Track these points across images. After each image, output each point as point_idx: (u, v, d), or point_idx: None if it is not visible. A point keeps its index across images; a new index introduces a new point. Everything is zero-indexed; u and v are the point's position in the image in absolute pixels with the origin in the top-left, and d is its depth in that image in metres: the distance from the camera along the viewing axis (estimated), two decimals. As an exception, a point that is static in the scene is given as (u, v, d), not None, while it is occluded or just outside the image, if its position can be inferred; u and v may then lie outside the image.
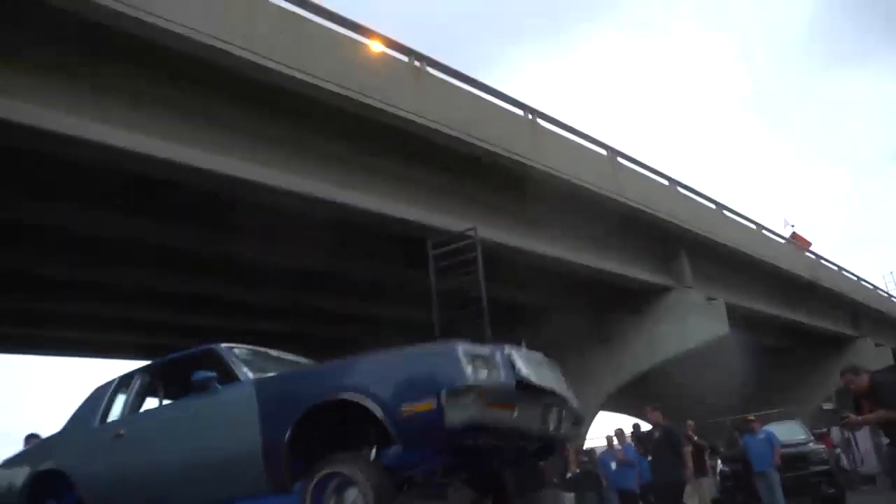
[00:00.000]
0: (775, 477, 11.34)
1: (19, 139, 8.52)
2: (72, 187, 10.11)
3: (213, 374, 4.90)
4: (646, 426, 12.22)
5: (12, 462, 6.25)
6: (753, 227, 21.91)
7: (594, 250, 15.66)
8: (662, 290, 17.73)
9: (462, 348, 4.20)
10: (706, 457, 13.06)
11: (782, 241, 24.51)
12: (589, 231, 15.50)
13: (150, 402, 5.92)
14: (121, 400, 5.72)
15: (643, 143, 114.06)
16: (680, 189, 18.33)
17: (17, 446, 7.03)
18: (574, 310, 17.93)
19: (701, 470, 12.63)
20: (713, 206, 19.79)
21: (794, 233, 26.60)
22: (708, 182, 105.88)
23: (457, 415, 3.96)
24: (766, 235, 22.68)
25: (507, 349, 4.51)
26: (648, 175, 17.25)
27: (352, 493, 4.17)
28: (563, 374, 5.08)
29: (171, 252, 12.61)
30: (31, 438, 7.33)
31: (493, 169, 12.75)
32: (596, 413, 18.79)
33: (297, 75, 9.63)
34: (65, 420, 6.08)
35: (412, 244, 13.40)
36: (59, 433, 6.00)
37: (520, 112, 13.92)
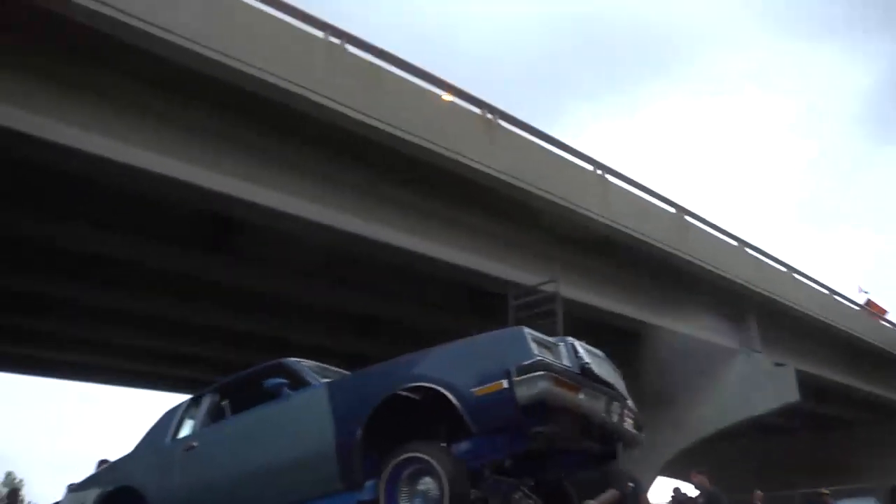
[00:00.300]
0: None
1: (92, 171, 8.95)
2: (144, 223, 10.53)
3: (285, 380, 4.96)
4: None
5: (84, 485, 6.32)
6: (825, 291, 21.21)
7: (659, 309, 15.39)
8: (730, 353, 17.24)
9: (528, 331, 4.28)
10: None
11: (856, 307, 23.62)
12: (655, 289, 15.27)
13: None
14: (191, 416, 5.81)
15: (711, 203, 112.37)
16: (749, 250, 17.96)
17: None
18: (638, 369, 17.52)
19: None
20: (783, 268, 19.27)
21: (868, 300, 25.55)
22: (778, 245, 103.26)
23: (527, 391, 3.98)
24: (838, 301, 21.91)
25: (572, 339, 4.58)
26: (717, 235, 16.98)
27: (426, 481, 4.15)
28: (623, 379, 5.05)
29: (231, 289, 12.92)
30: (102, 464, 7.49)
31: (562, 224, 12.75)
32: (656, 476, 18.22)
33: (371, 122, 9.86)
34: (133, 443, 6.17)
35: (476, 294, 13.48)
36: (130, 453, 6.07)
37: (589, 167, 13.95)
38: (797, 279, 19.79)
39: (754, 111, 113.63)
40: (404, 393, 4.36)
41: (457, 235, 11.88)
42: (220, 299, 13.36)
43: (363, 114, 9.76)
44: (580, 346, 4.55)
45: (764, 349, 17.57)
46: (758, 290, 16.93)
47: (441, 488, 4.04)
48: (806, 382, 18.08)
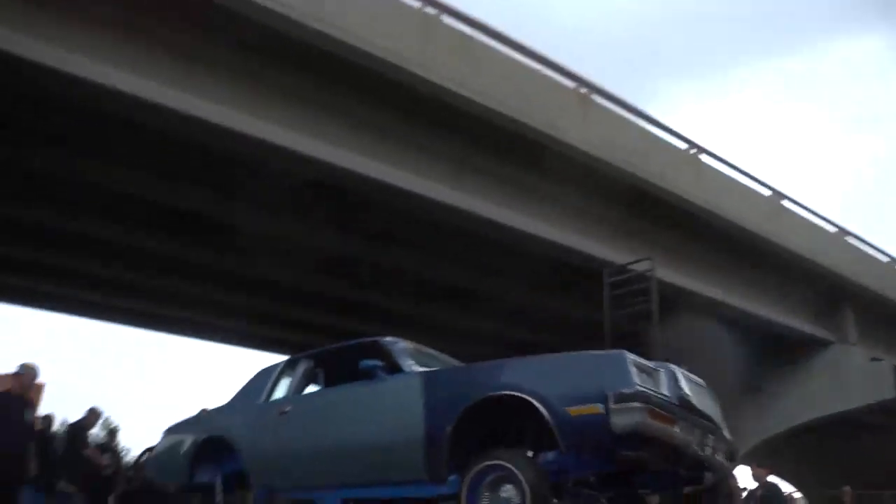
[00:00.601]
0: None
1: (209, 140, 9.39)
2: (256, 189, 10.90)
3: (380, 363, 5.07)
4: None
5: (180, 429, 6.69)
6: (931, 285, 20.07)
7: (750, 294, 14.98)
8: (822, 344, 16.65)
9: (630, 356, 4.22)
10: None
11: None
12: (746, 274, 14.86)
13: (311, 387, 6.16)
14: (285, 382, 6.03)
15: (809, 190, 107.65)
16: (848, 238, 17.18)
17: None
18: (721, 354, 17.13)
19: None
20: (886, 258, 18.36)
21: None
22: (881, 234, 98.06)
23: (623, 420, 3.96)
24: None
25: (673, 367, 4.50)
26: (814, 221, 16.30)
27: (507, 489, 4.19)
28: (720, 407, 4.97)
29: (329, 254, 13.26)
30: (202, 413, 7.85)
31: (653, 202, 12.54)
32: (736, 465, 17.82)
33: (465, 93, 9.91)
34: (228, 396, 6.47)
35: (566, 270, 13.44)
36: (226, 406, 6.36)
37: (683, 146, 13.62)
38: (901, 271, 18.83)
39: (856, 99, 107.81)
40: (497, 396, 4.40)
41: (550, 211, 11.87)
42: (316, 264, 13.74)
43: (457, 85, 9.82)
44: (681, 374, 4.48)
45: (860, 342, 16.86)
46: (856, 280, 16.21)
47: (522, 497, 4.08)
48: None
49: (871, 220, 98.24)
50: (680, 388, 4.33)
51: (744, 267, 14.80)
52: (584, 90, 11.88)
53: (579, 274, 13.49)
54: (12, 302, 19.71)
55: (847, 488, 12.31)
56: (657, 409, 4.04)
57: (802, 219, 15.92)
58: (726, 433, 4.87)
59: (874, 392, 16.02)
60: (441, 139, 10.68)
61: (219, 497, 5.89)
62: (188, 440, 6.24)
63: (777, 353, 16.79)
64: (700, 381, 4.86)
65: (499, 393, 4.39)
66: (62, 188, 11.55)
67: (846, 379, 16.16)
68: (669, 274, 12.92)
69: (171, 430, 6.79)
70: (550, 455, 4.26)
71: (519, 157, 11.28)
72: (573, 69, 11.83)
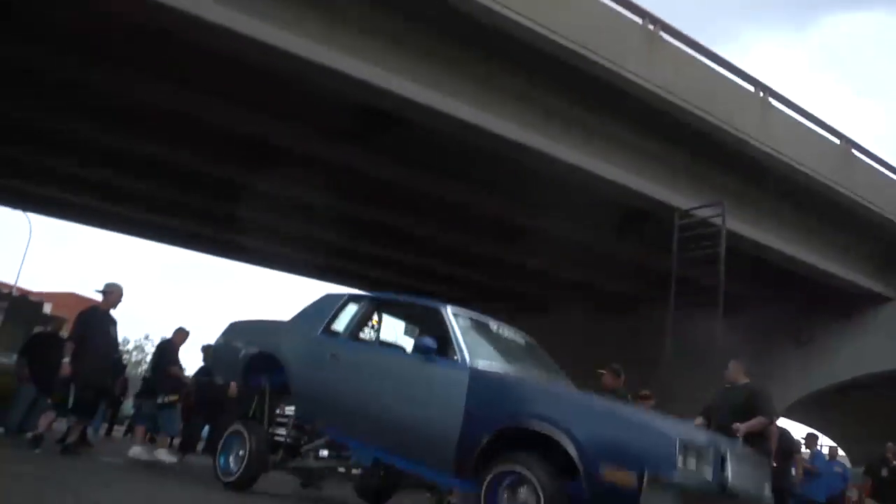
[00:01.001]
0: None
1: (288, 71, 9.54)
2: (314, 116, 11.03)
3: (434, 346, 5.13)
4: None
5: (240, 330, 6.98)
6: None
7: (807, 242, 14.63)
8: (879, 300, 16.24)
9: (680, 440, 4.14)
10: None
11: None
12: (807, 223, 14.51)
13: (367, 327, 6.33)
14: (345, 316, 6.17)
15: (883, 142, 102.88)
16: (920, 193, 16.52)
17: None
18: (774, 304, 16.92)
19: (894, 499, 11.71)
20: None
21: None
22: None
23: (652, 502, 3.98)
24: None
25: (724, 446, 4.43)
26: (885, 172, 15.70)
27: (524, 493, 4.32)
28: (766, 471, 5.04)
29: (383, 185, 13.41)
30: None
31: (718, 146, 12.25)
32: (778, 417, 17.75)
33: (527, 23, 9.70)
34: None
35: (624, 213, 13.35)
36: (285, 325, 6.53)
37: (751, 88, 13.18)
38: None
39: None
40: (538, 429, 4.42)
41: (610, 149, 11.73)
42: (370, 194, 13.90)
43: (520, 15, 9.63)
44: (729, 455, 4.38)
45: (920, 300, 16.38)
46: (923, 236, 15.64)
47: (538, 502, 4.18)
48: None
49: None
50: (724, 474, 4.28)
51: (806, 216, 14.44)
52: (651, 26, 11.56)
53: (635, 216, 13.40)
54: (80, 221, 20.67)
55: (890, 444, 12.16)
56: (692, 501, 4.04)
57: (872, 170, 15.35)
58: (767, 494, 4.88)
59: (930, 352, 15.65)
60: (503, 72, 10.59)
61: (267, 404, 6.26)
62: (244, 348, 6.54)
63: (832, 306, 16.47)
64: (749, 452, 4.91)
65: (541, 427, 4.43)
66: (132, 112, 11.92)
67: (902, 337, 15.79)
68: (730, 220, 12.76)
69: (232, 329, 7.05)
70: (574, 484, 4.26)
71: (582, 94, 11.11)
72: (641, 4, 11.50)
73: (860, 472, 12.75)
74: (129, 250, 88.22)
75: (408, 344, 6.06)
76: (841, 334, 16.53)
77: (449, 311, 5.39)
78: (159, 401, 8.66)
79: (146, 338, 54.94)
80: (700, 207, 8.72)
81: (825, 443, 20.66)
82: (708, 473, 4.18)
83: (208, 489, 5.89)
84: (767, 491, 4.92)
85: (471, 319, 5.58)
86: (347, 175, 13.17)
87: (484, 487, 4.42)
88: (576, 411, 4.61)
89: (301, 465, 6.09)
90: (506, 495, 4.38)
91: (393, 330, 6.80)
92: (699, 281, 11.22)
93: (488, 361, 5.17)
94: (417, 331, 6.09)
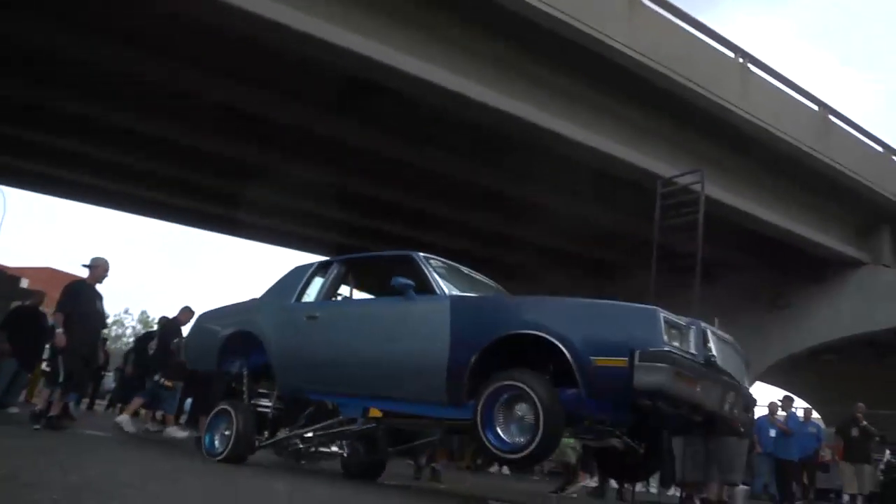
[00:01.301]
0: None
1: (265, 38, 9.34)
2: (301, 87, 10.90)
3: (412, 282, 5.09)
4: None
5: (212, 317, 6.92)
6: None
7: (784, 209, 14.82)
8: (854, 264, 16.53)
9: (662, 314, 4.23)
10: (871, 445, 12.42)
11: None
12: (785, 189, 14.66)
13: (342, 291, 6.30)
14: (317, 283, 6.10)
15: (862, 111, 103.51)
16: (895, 158, 16.74)
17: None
18: (750, 268, 17.15)
19: (865, 457, 12.03)
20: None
21: None
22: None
23: (646, 378, 4.03)
24: None
25: (704, 325, 4.52)
26: (862, 139, 15.89)
27: (522, 408, 4.30)
28: (747, 361, 5.11)
29: (369, 156, 13.32)
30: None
31: (698, 113, 12.29)
32: (754, 381, 18.12)
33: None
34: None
35: (602, 180, 13.39)
36: (257, 301, 6.46)
37: (731, 55, 13.22)
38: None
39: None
40: (523, 334, 4.43)
41: (594, 118, 11.75)
42: (355, 165, 13.82)
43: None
44: (710, 333, 4.49)
45: (893, 264, 16.69)
46: (896, 201, 15.91)
47: (536, 416, 4.17)
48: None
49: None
50: (707, 348, 4.38)
51: (784, 182, 14.61)
52: (630, -10, 11.50)
53: (619, 184, 13.45)
54: (70, 197, 20.35)
55: (860, 405, 12.51)
56: (681, 371, 4.09)
57: (849, 136, 15.53)
58: (747, 387, 4.99)
59: (904, 314, 15.98)
60: (485, 39, 10.51)
61: (245, 386, 6.15)
62: (218, 331, 6.44)
63: (808, 270, 16.74)
64: (728, 337, 4.92)
65: (526, 332, 4.44)
66: (122, 86, 11.71)
67: (877, 300, 16.10)
68: (710, 187, 12.85)
69: (203, 319, 7.01)
70: (570, 393, 4.29)
71: (564, 61, 11.08)
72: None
73: (833, 433, 13.10)
74: (104, 224, 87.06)
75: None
76: (817, 298, 16.84)
77: (420, 256, 5.40)
78: (156, 379, 8.66)
79: (126, 312, 54.70)
80: (681, 175, 8.80)
81: (800, 405, 21.14)
82: (692, 348, 4.28)
83: (194, 460, 5.91)
84: (746, 381, 5.04)
85: (442, 262, 5.60)
86: (334, 147, 13.08)
87: (479, 409, 4.38)
88: (559, 312, 4.64)
89: (287, 445, 6.02)
90: (502, 415, 4.36)
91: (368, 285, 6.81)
92: (680, 247, 11.34)
93: (465, 293, 5.20)
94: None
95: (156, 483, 4.03)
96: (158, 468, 5.09)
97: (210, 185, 16.30)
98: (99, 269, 7.55)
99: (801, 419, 14.00)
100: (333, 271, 6.05)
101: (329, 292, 5.98)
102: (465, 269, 5.93)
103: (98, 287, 7.61)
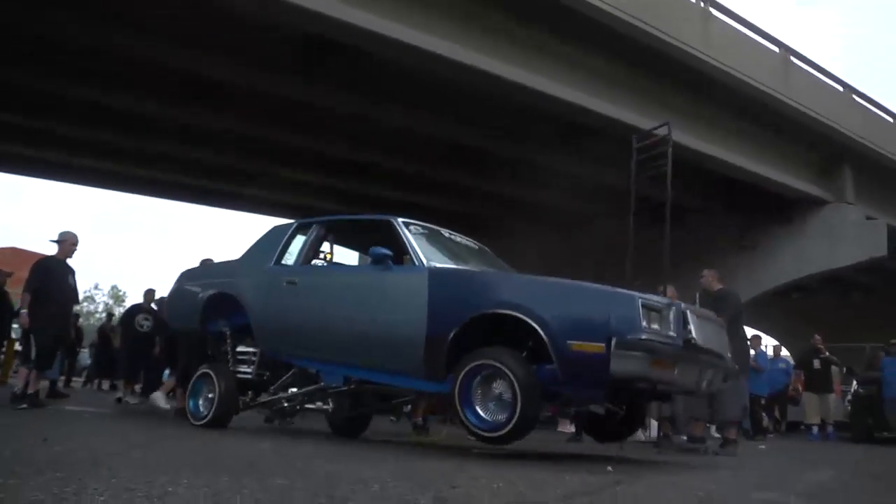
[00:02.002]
0: None
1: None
2: (257, 50, 10.67)
3: (390, 252, 5.06)
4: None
5: (193, 276, 6.90)
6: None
7: (750, 152, 14.95)
8: (818, 203, 16.80)
9: (641, 299, 4.23)
10: (833, 374, 12.87)
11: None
12: (747, 131, 14.79)
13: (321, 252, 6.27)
14: (296, 245, 6.05)
15: (819, 52, 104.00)
16: (855, 97, 16.94)
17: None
18: (717, 212, 17.39)
19: (827, 387, 12.45)
20: (890, 119, 18.18)
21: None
22: (890, 96, 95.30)
23: (623, 365, 4.07)
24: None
25: (683, 306, 4.55)
26: (822, 79, 16.02)
27: (500, 385, 4.34)
28: (725, 335, 5.19)
29: (335, 115, 13.14)
30: (206, 262, 8.13)
31: (660, 58, 12.25)
32: (732, 314, 18.44)
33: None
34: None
35: (569, 131, 13.40)
36: (237, 263, 6.44)
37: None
38: (905, 130, 18.66)
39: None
40: (502, 313, 4.45)
41: (558, 68, 11.64)
42: (322, 125, 13.65)
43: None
44: (690, 314, 4.48)
45: (857, 201, 16.99)
46: (858, 138, 16.10)
47: (513, 393, 4.21)
48: None
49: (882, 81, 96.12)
50: (687, 329, 4.39)
51: (747, 124, 14.72)
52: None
53: (587, 134, 13.47)
54: (34, 174, 19.85)
55: (817, 336, 12.97)
56: (659, 359, 4.12)
57: (810, 77, 15.64)
58: (728, 359, 5.06)
59: (867, 250, 16.34)
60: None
61: (229, 348, 6.18)
62: (199, 292, 6.41)
63: (773, 211, 17.00)
64: (708, 313, 5.02)
65: (504, 311, 4.45)
66: (84, 59, 11.35)
67: (840, 237, 16.41)
68: (677, 133, 12.89)
69: (184, 277, 6.92)
70: (546, 370, 4.33)
71: (524, 11, 10.94)
72: None
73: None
74: (70, 201, 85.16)
75: (363, 262, 6.01)
76: (782, 238, 17.13)
77: (399, 221, 5.35)
78: None
79: (96, 287, 54.02)
80: (657, 128, 8.81)
81: (768, 342, 21.70)
82: (671, 331, 4.30)
83: (178, 428, 5.93)
84: (728, 353, 5.15)
85: (422, 227, 5.55)
86: (293, 107, 12.87)
87: (457, 386, 4.42)
88: (537, 293, 4.65)
89: (271, 404, 6.06)
90: (479, 391, 4.41)
91: (346, 254, 6.81)
92: (651, 195, 11.44)
93: (445, 262, 5.17)
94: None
95: (140, 450, 4.05)
96: (141, 437, 5.11)
97: (177, 155, 16.01)
98: (66, 243, 7.45)
99: (771, 356, 14.42)
100: (313, 233, 6.01)
101: (309, 255, 5.95)
102: (446, 233, 5.90)
103: (69, 262, 7.52)
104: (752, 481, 4.03)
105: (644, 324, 4.13)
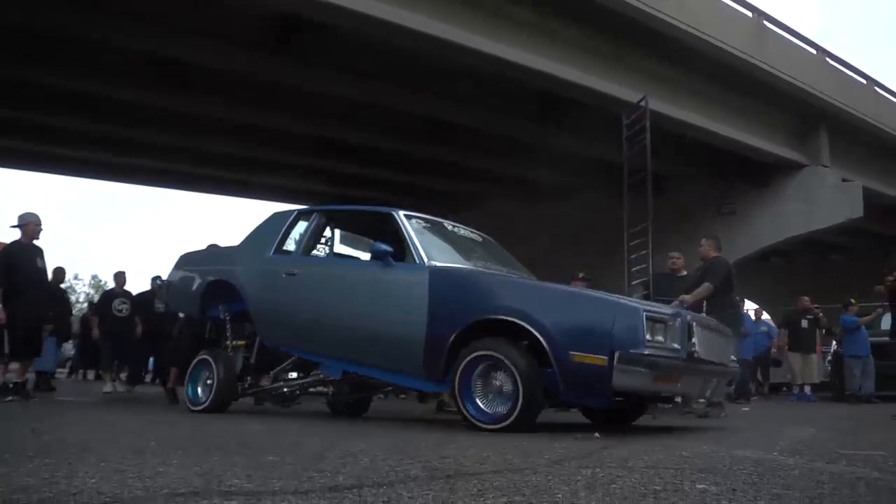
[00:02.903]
0: (871, 361, 11.49)
1: None
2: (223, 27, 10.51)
3: (391, 249, 5.01)
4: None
5: (192, 261, 6.85)
6: (907, 107, 20.11)
7: (726, 117, 15.01)
8: (795, 167, 16.94)
9: (645, 312, 4.16)
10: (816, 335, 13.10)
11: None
12: (723, 97, 14.84)
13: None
14: (297, 232, 6.02)
15: (791, 17, 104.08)
16: (829, 60, 17.02)
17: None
18: (696, 179, 17.51)
19: (812, 347, 12.65)
20: (864, 81, 18.30)
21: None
22: (863, 58, 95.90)
23: (625, 380, 4.03)
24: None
25: (689, 317, 4.50)
26: (795, 42, 16.07)
27: (499, 377, 4.32)
28: (729, 338, 5.22)
29: (303, 95, 13.02)
30: (211, 246, 8.07)
31: (635, 26, 12.22)
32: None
33: None
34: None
35: (545, 101, 13.37)
36: (236, 249, 6.40)
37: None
38: (879, 93, 18.81)
39: None
40: (504, 320, 4.38)
41: (533, 38, 11.57)
42: (285, 102, 13.51)
43: None
44: (695, 325, 4.43)
45: (832, 164, 17.15)
46: (833, 101, 16.20)
47: (515, 384, 4.18)
48: (872, 201, 17.79)
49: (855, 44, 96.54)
50: (691, 341, 4.34)
51: (723, 90, 14.75)
52: None
53: (563, 105, 13.46)
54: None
55: (805, 298, 13.14)
56: (662, 374, 4.09)
57: (783, 41, 15.68)
58: (731, 365, 5.07)
59: (844, 212, 16.54)
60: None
61: (229, 334, 6.19)
62: (199, 278, 6.39)
63: (751, 176, 17.14)
64: (712, 322, 4.99)
65: (506, 318, 4.38)
66: (48, 44, 11.12)
67: (818, 200, 16.58)
68: (655, 102, 12.92)
69: (184, 260, 6.87)
70: (548, 370, 4.27)
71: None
72: None
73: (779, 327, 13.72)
74: (32, 190, 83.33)
75: (363, 255, 5.96)
76: (761, 203, 17.28)
77: (401, 214, 5.27)
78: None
79: (76, 278, 53.43)
80: (639, 102, 8.90)
81: (749, 306, 21.98)
82: (675, 344, 4.23)
83: (167, 414, 5.94)
84: (732, 358, 5.17)
85: (424, 220, 5.48)
86: (267, 87, 12.74)
87: (457, 378, 4.38)
88: (540, 299, 4.59)
89: (271, 389, 6.05)
90: (479, 384, 4.38)
91: (347, 242, 6.77)
92: (632, 169, 11.50)
93: (447, 260, 5.10)
94: (371, 239, 5.99)
95: (129, 435, 4.06)
96: (131, 423, 5.11)
97: (152, 139, 15.82)
98: (30, 225, 7.31)
99: (753, 319, 14.61)
100: (314, 222, 5.95)
101: (309, 244, 5.91)
102: (449, 226, 5.84)
103: (36, 243, 7.40)
104: (737, 441, 4.11)
105: (648, 336, 4.07)
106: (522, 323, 4.29)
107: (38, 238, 7.40)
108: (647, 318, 4.12)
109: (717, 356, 4.72)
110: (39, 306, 7.37)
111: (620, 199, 11.10)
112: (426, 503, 1.93)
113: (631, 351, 4.01)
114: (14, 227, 7.33)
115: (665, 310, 4.53)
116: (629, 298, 4.73)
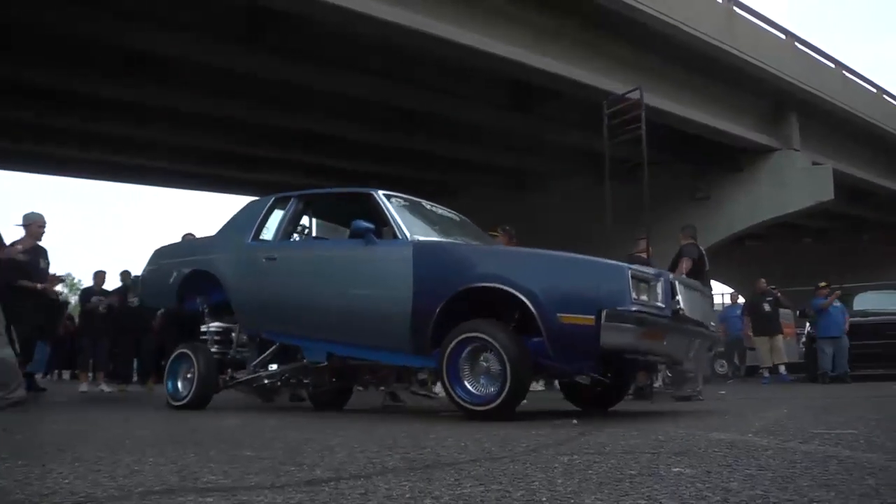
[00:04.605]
0: (844, 342, 11.64)
1: None
2: (194, 18, 10.38)
3: (372, 226, 4.98)
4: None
5: (169, 253, 6.74)
6: (874, 90, 20.46)
7: (698, 103, 15.14)
8: (767, 151, 17.16)
9: (630, 271, 4.21)
10: (787, 317, 13.30)
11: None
12: (694, 83, 14.96)
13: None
14: (274, 219, 5.94)
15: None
16: (798, 45, 17.22)
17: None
18: (670, 165, 17.62)
19: (777, 329, 12.84)
20: (832, 65, 18.55)
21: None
22: (831, 43, 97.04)
23: (613, 337, 4.05)
24: (887, 101, 21.12)
25: (672, 277, 4.57)
26: (765, 28, 16.23)
27: (487, 358, 4.32)
28: (712, 301, 5.29)
29: (274, 86, 12.92)
30: (186, 236, 7.99)
31: (607, 13, 12.29)
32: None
33: None
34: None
35: (518, 89, 13.38)
36: (213, 239, 6.35)
37: (636, -48, 13.17)
38: (847, 77, 19.08)
39: None
40: (490, 287, 4.38)
41: (504, 26, 11.59)
42: (257, 94, 13.40)
43: None
44: (678, 285, 4.49)
45: (803, 148, 17.40)
46: (802, 85, 16.42)
47: (502, 365, 4.19)
48: (842, 183, 18.09)
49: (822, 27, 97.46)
50: (675, 300, 4.40)
51: (695, 76, 14.89)
52: None
53: (535, 92, 13.49)
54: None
55: (762, 280, 13.39)
56: (649, 330, 4.12)
57: (753, 26, 15.83)
58: (713, 328, 5.15)
59: (815, 195, 16.78)
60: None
61: (207, 325, 6.09)
62: (175, 270, 6.27)
63: (724, 161, 17.32)
64: (696, 283, 5.06)
65: (492, 285, 4.38)
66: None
67: (789, 184, 16.83)
68: (615, 85, 12.95)
69: (159, 254, 6.75)
70: (535, 340, 4.30)
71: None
72: None
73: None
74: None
75: (342, 236, 5.90)
76: (734, 187, 17.49)
77: (380, 194, 5.26)
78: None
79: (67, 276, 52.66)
80: (629, 93, 8.86)
81: (725, 290, 22.27)
82: (660, 302, 4.29)
83: (146, 410, 5.89)
84: (713, 323, 5.25)
85: (403, 199, 5.46)
86: (235, 79, 12.60)
87: (444, 360, 4.38)
88: (525, 265, 4.62)
89: (252, 382, 5.96)
90: (467, 365, 4.38)
91: (323, 232, 6.70)
92: (613, 157, 11.54)
93: (429, 235, 5.10)
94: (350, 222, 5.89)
95: (104, 433, 4.02)
96: (106, 422, 5.06)
97: (119, 133, 15.61)
98: (34, 225, 7.20)
99: (729, 304, 14.79)
100: (291, 207, 5.88)
101: (287, 230, 5.84)
102: (427, 205, 5.83)
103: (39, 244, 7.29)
104: (712, 424, 4.16)
105: (633, 295, 4.12)
106: (508, 289, 4.31)
107: (40, 239, 7.29)
108: (633, 278, 4.18)
109: (700, 316, 4.82)
110: (37, 310, 7.27)
111: (596, 185, 11.15)
112: (403, 494, 1.93)
113: (618, 308, 4.06)
114: (18, 225, 7.24)
115: (649, 270, 4.58)
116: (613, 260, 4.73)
